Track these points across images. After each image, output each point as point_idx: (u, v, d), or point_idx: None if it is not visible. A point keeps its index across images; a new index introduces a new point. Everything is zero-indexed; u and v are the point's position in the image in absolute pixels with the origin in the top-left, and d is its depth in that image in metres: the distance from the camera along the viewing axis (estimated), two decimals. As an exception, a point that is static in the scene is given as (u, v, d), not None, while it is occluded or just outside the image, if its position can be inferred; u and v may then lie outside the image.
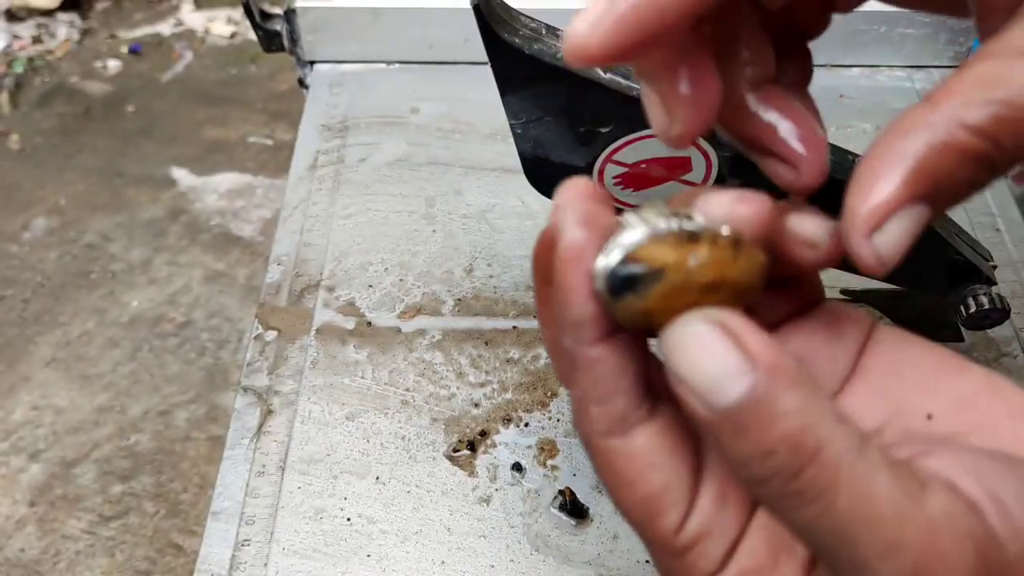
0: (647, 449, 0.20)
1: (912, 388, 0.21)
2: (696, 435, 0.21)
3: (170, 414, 1.16)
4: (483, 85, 0.38)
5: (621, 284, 0.17)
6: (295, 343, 0.46)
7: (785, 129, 0.21)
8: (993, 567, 0.16)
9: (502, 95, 0.35)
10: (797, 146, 0.21)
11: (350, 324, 0.47)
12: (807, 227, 0.20)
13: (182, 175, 1.46)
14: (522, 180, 0.38)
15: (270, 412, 0.43)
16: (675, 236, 0.17)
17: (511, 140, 0.37)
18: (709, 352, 0.17)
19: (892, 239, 0.18)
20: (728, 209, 0.19)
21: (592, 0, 0.18)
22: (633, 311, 0.18)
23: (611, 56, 0.18)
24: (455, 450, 0.42)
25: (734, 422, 0.17)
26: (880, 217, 0.18)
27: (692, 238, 0.18)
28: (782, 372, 0.17)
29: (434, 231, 0.51)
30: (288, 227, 0.52)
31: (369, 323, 0.47)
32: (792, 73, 0.23)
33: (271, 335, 0.47)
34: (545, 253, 0.20)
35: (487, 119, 0.57)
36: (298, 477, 0.41)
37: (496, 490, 0.41)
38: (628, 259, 0.17)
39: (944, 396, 0.21)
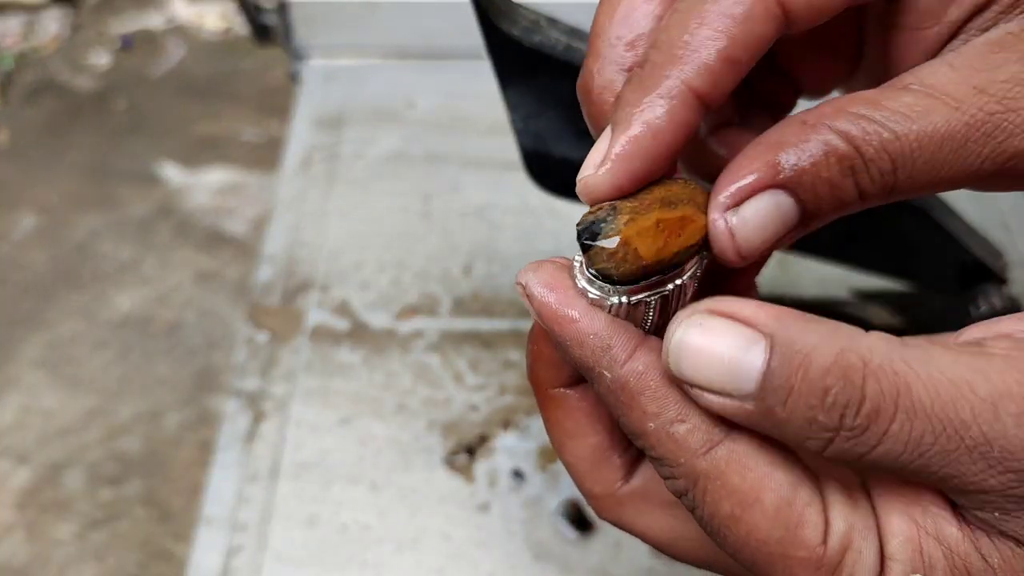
0: (754, 451, 0.17)
1: None
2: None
3: (160, 417, 1.14)
4: (482, 79, 0.37)
5: (590, 235, 0.18)
6: (287, 344, 0.45)
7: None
8: None
9: (502, 89, 0.34)
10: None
11: (344, 325, 0.46)
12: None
13: (173, 172, 1.45)
14: (522, 176, 0.37)
15: (262, 416, 0.42)
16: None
17: (511, 135, 0.36)
18: (717, 338, 0.16)
19: (750, 222, 0.18)
20: None
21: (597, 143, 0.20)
22: (612, 250, 0.18)
23: (619, 192, 0.19)
24: (453, 455, 0.41)
25: (776, 389, 0.16)
26: (737, 195, 0.18)
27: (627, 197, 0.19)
28: (787, 317, 0.16)
29: (431, 229, 0.50)
30: (281, 225, 0.50)
31: (364, 324, 0.46)
32: (764, 121, 0.23)
33: (263, 337, 0.45)
34: (539, 351, 0.20)
35: (486, 113, 0.56)
36: (291, 483, 0.40)
37: (496, 496, 0.40)
38: (582, 223, 0.18)
39: None
